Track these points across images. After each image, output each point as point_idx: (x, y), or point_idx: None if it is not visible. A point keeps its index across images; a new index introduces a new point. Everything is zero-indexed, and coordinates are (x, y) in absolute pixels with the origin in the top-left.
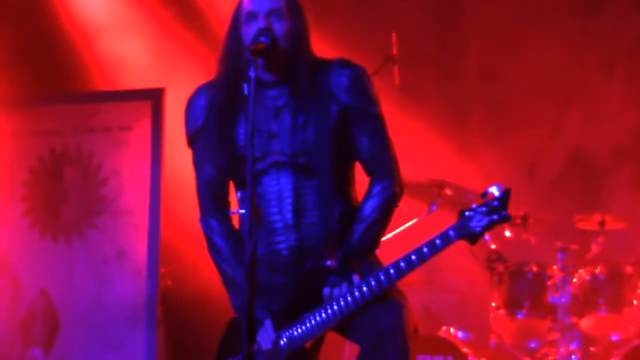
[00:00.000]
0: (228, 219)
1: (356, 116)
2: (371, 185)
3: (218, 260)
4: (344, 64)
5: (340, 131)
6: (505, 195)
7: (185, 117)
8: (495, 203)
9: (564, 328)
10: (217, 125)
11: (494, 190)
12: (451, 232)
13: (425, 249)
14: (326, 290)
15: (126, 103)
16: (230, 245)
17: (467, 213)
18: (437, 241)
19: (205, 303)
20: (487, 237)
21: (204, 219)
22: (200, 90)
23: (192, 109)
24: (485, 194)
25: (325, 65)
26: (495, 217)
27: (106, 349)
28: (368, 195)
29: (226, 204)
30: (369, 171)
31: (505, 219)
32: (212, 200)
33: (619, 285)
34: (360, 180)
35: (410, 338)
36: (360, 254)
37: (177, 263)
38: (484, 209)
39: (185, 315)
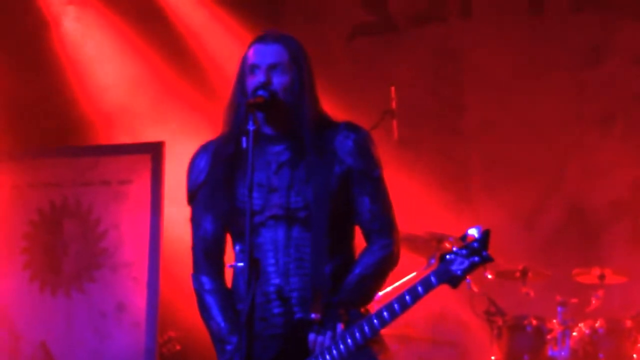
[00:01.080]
0: (220, 277)
1: (359, 179)
2: (370, 243)
3: (206, 317)
4: (351, 127)
5: (341, 192)
6: (484, 236)
7: (187, 175)
8: (475, 245)
9: None
10: (219, 176)
11: (474, 232)
12: (433, 278)
13: (407, 297)
14: (311, 336)
15: (126, 156)
16: (219, 302)
17: (448, 257)
18: (419, 288)
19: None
20: (468, 280)
21: (195, 275)
22: (203, 148)
23: (195, 166)
24: (464, 237)
25: (332, 125)
26: (476, 258)
27: None
28: (366, 251)
29: (221, 262)
30: (368, 232)
31: (486, 260)
32: (206, 257)
33: (618, 339)
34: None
35: None
36: (349, 304)
37: (184, 323)
38: (464, 251)
39: None
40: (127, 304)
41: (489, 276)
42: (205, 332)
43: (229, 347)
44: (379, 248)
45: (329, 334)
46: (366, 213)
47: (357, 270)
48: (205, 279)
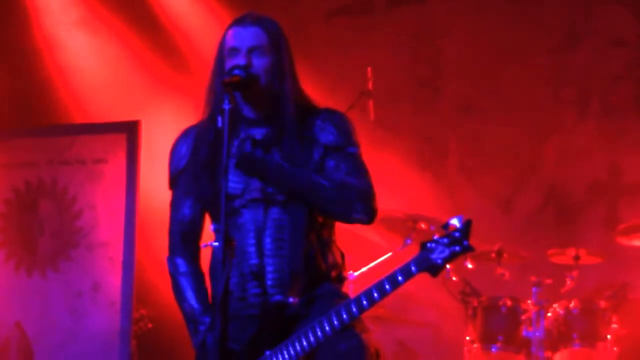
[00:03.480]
0: (195, 260)
1: (334, 153)
2: None
3: (179, 299)
4: (330, 112)
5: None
6: (466, 226)
7: (169, 159)
8: (457, 234)
9: None
10: (200, 161)
11: (455, 222)
12: (413, 268)
13: (387, 286)
14: None
15: (101, 136)
16: (192, 284)
17: (428, 245)
18: (399, 278)
19: (181, 340)
20: (448, 269)
21: (171, 257)
22: (184, 134)
23: (177, 152)
24: (446, 226)
25: (312, 111)
26: (457, 248)
27: None
28: None
29: (196, 245)
30: None
31: (467, 250)
32: (182, 240)
33: (593, 319)
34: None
35: None
36: (271, 166)
37: (156, 301)
38: (445, 240)
39: (162, 352)
40: (102, 284)
41: (470, 265)
42: (178, 311)
43: (202, 328)
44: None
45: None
46: (336, 174)
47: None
48: (180, 261)
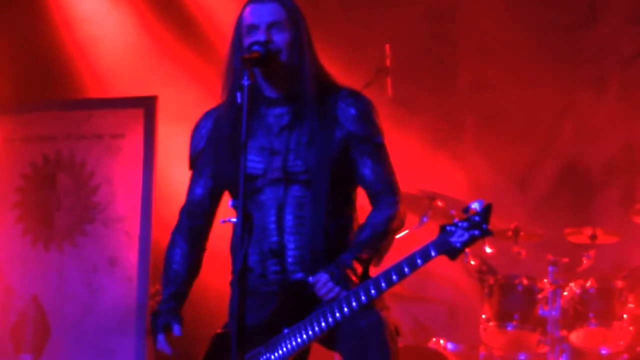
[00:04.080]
0: (195, 239)
1: (360, 144)
2: (377, 202)
3: (163, 273)
4: (353, 94)
5: (341, 157)
6: (486, 210)
7: (190, 140)
8: (477, 218)
9: (553, 341)
10: (219, 143)
11: (476, 206)
12: (432, 251)
13: (405, 269)
14: (323, 276)
15: (119, 110)
16: (177, 260)
17: (448, 228)
18: (418, 261)
19: (196, 314)
20: (466, 252)
21: (173, 233)
22: (207, 115)
23: (197, 133)
24: (467, 209)
25: (333, 90)
26: (476, 232)
27: (96, 356)
28: (374, 211)
29: (201, 225)
30: (374, 193)
31: (486, 234)
32: (187, 218)
33: (609, 299)
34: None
35: (392, 337)
36: (361, 260)
37: None
38: (465, 224)
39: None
40: (119, 259)
41: (488, 250)
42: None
43: (161, 298)
44: (387, 205)
45: (337, 289)
46: (370, 174)
47: (368, 229)
48: (178, 238)
